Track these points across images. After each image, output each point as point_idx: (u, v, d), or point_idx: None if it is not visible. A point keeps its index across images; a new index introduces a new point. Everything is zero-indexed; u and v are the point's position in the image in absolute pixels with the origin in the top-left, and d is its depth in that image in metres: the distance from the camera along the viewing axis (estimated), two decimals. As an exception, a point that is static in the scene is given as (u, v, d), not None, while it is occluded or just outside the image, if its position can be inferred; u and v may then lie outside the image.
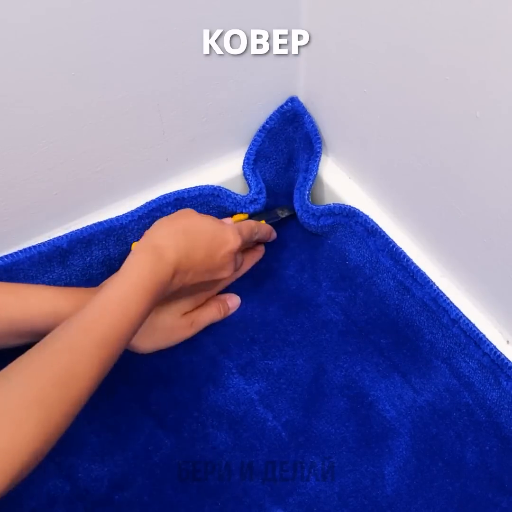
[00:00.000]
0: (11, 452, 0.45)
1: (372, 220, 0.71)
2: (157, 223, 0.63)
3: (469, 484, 0.61)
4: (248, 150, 0.78)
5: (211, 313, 0.70)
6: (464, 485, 0.61)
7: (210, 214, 0.75)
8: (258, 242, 0.76)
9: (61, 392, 0.50)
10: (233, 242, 0.64)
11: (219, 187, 0.75)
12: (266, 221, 0.76)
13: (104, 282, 0.67)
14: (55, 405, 0.49)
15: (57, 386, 0.50)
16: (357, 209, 0.72)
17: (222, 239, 0.64)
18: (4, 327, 0.60)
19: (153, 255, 0.58)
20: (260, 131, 0.77)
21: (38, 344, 0.52)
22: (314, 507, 0.60)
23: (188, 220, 0.63)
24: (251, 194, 0.76)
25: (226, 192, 0.75)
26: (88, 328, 0.53)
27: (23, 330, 0.61)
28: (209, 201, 0.75)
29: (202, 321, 0.69)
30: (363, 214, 0.72)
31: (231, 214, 0.76)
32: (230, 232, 0.64)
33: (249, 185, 0.77)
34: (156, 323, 0.66)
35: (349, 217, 0.73)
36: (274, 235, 0.76)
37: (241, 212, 0.76)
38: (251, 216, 0.76)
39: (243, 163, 0.78)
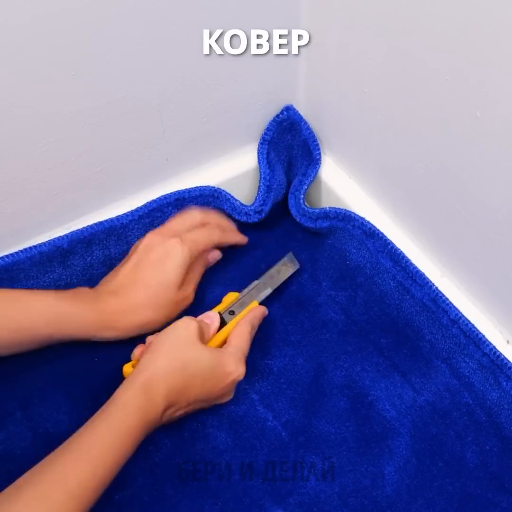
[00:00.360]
0: None
1: (369, 222, 0.71)
2: (156, 348, 0.59)
3: (469, 484, 0.61)
4: (259, 165, 0.77)
5: None
6: (464, 485, 0.61)
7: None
8: None
9: None
10: (235, 373, 0.61)
11: (220, 189, 0.75)
12: (260, 300, 0.70)
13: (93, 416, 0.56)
14: None
15: None
16: (352, 212, 0.72)
17: (222, 373, 0.60)
18: (8, 335, 0.60)
19: (144, 394, 0.55)
20: (261, 143, 0.77)
21: (19, 480, 0.50)
22: (314, 507, 0.60)
23: (188, 355, 0.59)
24: (254, 206, 0.76)
25: (226, 196, 0.75)
26: (63, 477, 0.50)
27: (26, 337, 0.61)
28: (209, 202, 0.75)
29: None
30: (359, 217, 0.72)
31: (228, 217, 0.76)
32: (231, 364, 0.61)
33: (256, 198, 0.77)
34: None
35: (345, 221, 0.73)
36: (266, 313, 0.70)
37: (231, 291, 0.71)
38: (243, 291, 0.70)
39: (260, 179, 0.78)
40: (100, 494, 0.51)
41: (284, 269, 0.74)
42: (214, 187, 0.75)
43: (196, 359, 0.59)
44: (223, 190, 0.75)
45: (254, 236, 0.78)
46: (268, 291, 0.71)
